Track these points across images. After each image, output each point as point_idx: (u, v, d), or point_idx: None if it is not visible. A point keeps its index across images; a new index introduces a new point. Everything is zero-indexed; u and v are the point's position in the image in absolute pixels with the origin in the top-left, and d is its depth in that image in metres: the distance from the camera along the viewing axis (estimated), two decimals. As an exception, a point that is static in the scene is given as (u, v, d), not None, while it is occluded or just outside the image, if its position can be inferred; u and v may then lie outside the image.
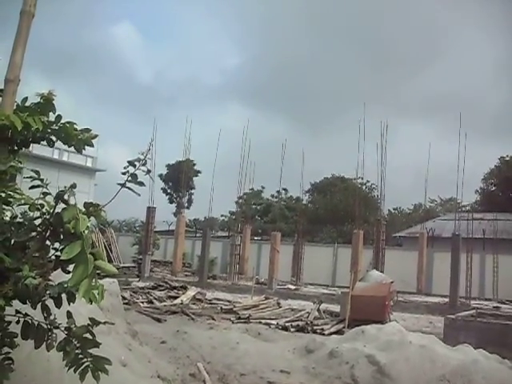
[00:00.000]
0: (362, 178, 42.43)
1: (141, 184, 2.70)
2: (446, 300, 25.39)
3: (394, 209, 63.95)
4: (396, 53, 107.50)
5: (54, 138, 2.76)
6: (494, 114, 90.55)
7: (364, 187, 52.67)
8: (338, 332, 14.63)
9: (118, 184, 2.67)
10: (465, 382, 7.73)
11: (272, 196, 61.03)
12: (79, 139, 2.76)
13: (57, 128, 2.71)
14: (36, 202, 2.66)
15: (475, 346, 9.84)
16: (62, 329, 2.69)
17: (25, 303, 2.57)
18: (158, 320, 14.87)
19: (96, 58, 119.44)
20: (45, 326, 2.67)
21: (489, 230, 34.80)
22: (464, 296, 26.15)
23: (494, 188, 52.79)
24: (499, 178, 49.91)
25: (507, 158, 49.34)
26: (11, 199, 2.75)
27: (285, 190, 57.39)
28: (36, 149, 28.32)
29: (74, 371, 2.66)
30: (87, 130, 2.80)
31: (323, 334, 14.10)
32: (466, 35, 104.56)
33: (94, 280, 2.32)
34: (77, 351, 2.66)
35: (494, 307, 23.50)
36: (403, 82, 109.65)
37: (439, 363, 8.37)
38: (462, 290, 25.91)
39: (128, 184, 2.67)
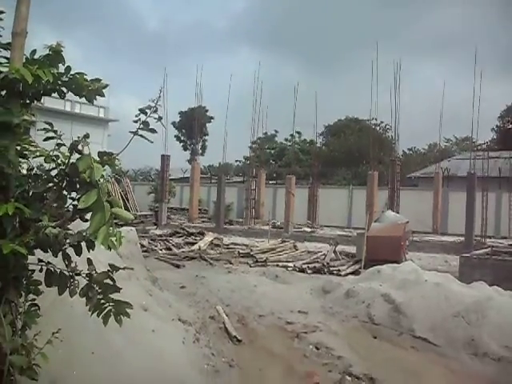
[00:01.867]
0: (376, 119, 42.09)
1: (153, 131, 2.73)
2: (462, 239, 25.46)
3: (408, 149, 63.53)
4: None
5: (64, 90, 2.78)
6: (510, 49, 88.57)
7: (378, 128, 52.20)
8: (355, 273, 14.83)
9: (131, 132, 2.70)
10: (479, 318, 7.85)
11: (286, 140, 60.79)
12: (90, 89, 2.77)
13: (67, 79, 2.73)
14: (51, 153, 2.71)
15: (490, 284, 9.95)
16: (84, 275, 2.77)
17: (46, 252, 2.64)
18: (177, 266, 15.13)
19: (103, 7, 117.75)
20: (67, 274, 2.76)
21: (505, 169, 34.54)
22: (479, 235, 26.19)
23: (510, 126, 52.07)
24: (516, 115, 49.29)
25: (524, 95, 48.64)
26: (27, 152, 2.79)
27: (298, 133, 57.08)
28: (48, 102, 28.22)
29: (98, 316, 2.76)
30: (97, 80, 2.81)
31: (340, 275, 14.30)
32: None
33: (111, 227, 2.38)
34: (99, 296, 2.75)
35: (509, 245, 23.54)
36: (416, 20, 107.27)
37: (454, 300, 8.49)
38: (477, 228, 25.94)
39: (140, 132, 2.70)
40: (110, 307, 2.76)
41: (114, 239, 2.41)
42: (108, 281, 2.76)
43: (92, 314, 2.76)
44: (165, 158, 33.43)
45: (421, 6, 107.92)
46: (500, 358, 7.09)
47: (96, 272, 2.77)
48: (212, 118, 60.61)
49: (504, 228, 30.13)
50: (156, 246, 19.56)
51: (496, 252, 16.92)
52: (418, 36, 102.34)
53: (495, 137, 53.59)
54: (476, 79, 28.11)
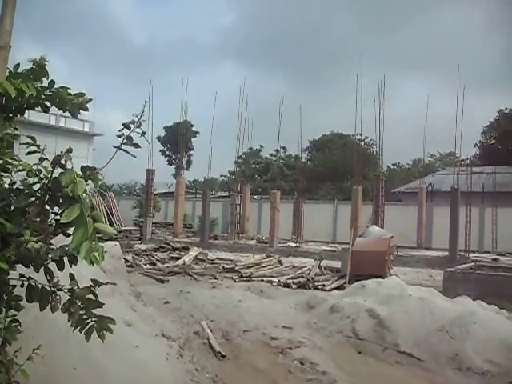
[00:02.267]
0: (361, 134, 42.30)
1: (136, 146, 2.72)
2: (446, 253, 25.59)
3: (393, 164, 63.98)
4: (393, 5, 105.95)
5: (48, 104, 2.77)
6: (493, 66, 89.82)
7: (363, 143, 52.48)
8: (339, 287, 14.84)
9: (114, 147, 2.69)
10: (463, 333, 7.88)
11: (271, 155, 60.95)
12: (73, 104, 2.77)
13: (51, 93, 2.72)
14: (33, 167, 2.69)
15: (474, 298, 10.02)
16: (66, 291, 2.75)
17: (28, 267, 2.62)
18: (161, 281, 15.05)
19: (88, 21, 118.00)
20: (48, 289, 2.73)
21: (488, 184, 34.83)
22: (463, 249, 26.33)
23: (493, 141, 52.52)
24: (498, 131, 49.65)
25: (506, 111, 48.99)
26: (9, 166, 2.78)
27: (283, 148, 57.33)
28: (32, 115, 28.16)
29: (80, 331, 2.73)
30: (81, 95, 2.80)
31: (324, 290, 14.30)
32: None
33: (94, 242, 2.36)
34: (81, 312, 2.72)
35: (492, 259, 23.72)
36: (400, 35, 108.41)
37: (438, 315, 8.52)
38: (461, 243, 26.09)
39: (124, 146, 2.70)
40: (92, 323, 2.73)
41: (96, 254, 2.39)
42: (90, 296, 2.74)
43: (74, 329, 2.74)
44: (150, 173, 33.34)
45: (405, 22, 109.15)
46: (484, 372, 7.12)
47: (78, 287, 2.75)
48: (197, 132, 60.68)
49: (487, 242, 30.31)
50: (140, 261, 19.46)
51: (480, 266, 17.04)
52: (402, 52, 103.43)
53: (478, 152, 54.04)
54: (459, 95, 28.47)
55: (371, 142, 52.11)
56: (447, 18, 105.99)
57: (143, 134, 2.71)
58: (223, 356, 7.05)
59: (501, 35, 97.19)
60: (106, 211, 34.45)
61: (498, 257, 25.66)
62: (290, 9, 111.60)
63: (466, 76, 50.27)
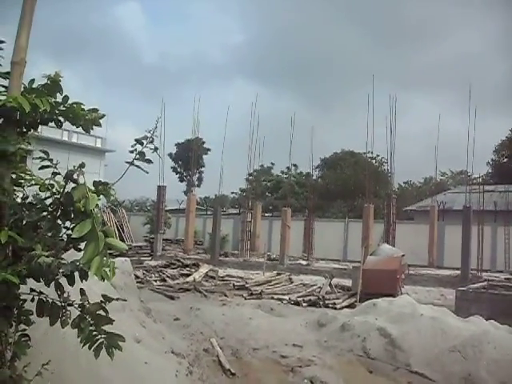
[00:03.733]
0: (372, 152, 42.20)
1: (149, 161, 2.73)
2: (458, 272, 25.37)
3: (404, 182, 63.81)
4: (404, 25, 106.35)
5: (61, 119, 2.79)
6: (505, 84, 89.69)
7: (374, 161, 52.40)
8: (350, 306, 14.73)
9: (127, 162, 2.70)
10: (476, 353, 7.77)
11: (282, 172, 61.00)
12: (87, 119, 2.78)
13: (64, 109, 2.73)
14: (46, 182, 2.70)
15: (486, 318, 9.89)
16: (76, 306, 2.74)
17: (39, 281, 2.62)
18: (171, 297, 15.01)
19: (102, 39, 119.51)
20: (59, 304, 2.73)
21: (500, 202, 34.66)
22: (475, 268, 26.13)
23: (505, 160, 52.35)
24: (510, 149, 49.51)
25: (518, 129, 48.96)
26: (22, 180, 2.79)
27: (295, 165, 57.35)
28: (45, 131, 28.34)
29: (89, 348, 2.72)
30: (95, 110, 2.82)
31: (335, 308, 14.21)
32: (472, 6, 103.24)
33: (105, 257, 2.36)
34: (91, 328, 2.71)
35: (505, 279, 23.49)
36: (412, 55, 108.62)
37: (450, 335, 8.42)
38: (473, 262, 25.89)
39: (136, 162, 2.70)
40: (101, 339, 2.72)
41: (107, 269, 2.39)
42: (101, 312, 2.73)
43: (83, 345, 2.72)
44: (161, 189, 33.44)
45: (416, 41, 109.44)
46: (497, 393, 7.01)
47: (89, 303, 2.74)
48: (209, 149, 60.84)
49: (500, 262, 30.08)
50: (151, 277, 19.46)
51: (492, 286, 16.87)
52: (413, 71, 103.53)
53: (490, 171, 53.84)
54: (471, 113, 28.41)
55: (382, 160, 52.08)
56: (459, 36, 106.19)
57: (156, 149, 2.72)
58: (233, 374, 6.99)
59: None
60: (117, 227, 34.49)
61: (510, 276, 25.43)
62: (302, 29, 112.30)
63: (477, 94, 50.21)
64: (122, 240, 30.77)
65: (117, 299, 2.89)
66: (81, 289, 2.76)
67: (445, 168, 62.84)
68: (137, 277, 15.52)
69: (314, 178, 50.39)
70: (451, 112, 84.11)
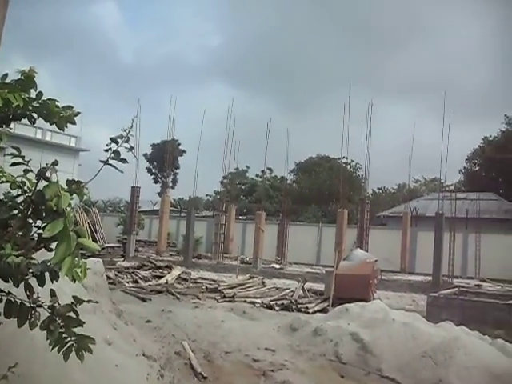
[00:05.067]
0: (347, 158, 42.54)
1: (124, 161, 2.67)
2: (429, 278, 25.63)
3: (378, 188, 64.38)
4: (380, 32, 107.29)
5: (35, 116, 2.72)
6: (478, 93, 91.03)
7: (349, 167, 52.71)
8: (323, 310, 14.76)
9: (101, 161, 2.64)
10: (446, 358, 7.83)
11: (257, 176, 61.07)
12: (61, 117, 2.72)
13: (38, 105, 2.67)
14: (17, 179, 2.63)
15: (457, 324, 9.99)
16: (46, 307, 2.67)
17: (7, 281, 2.55)
18: (143, 299, 14.90)
19: (78, 38, 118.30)
20: (28, 305, 2.65)
21: (472, 210, 35.09)
22: (447, 274, 26.43)
23: (477, 168, 53.04)
24: (482, 158, 50.17)
25: (490, 138, 49.56)
26: (-8, 177, 2.71)
27: (269, 169, 57.45)
28: (18, 129, 28.03)
29: (58, 351, 2.65)
30: (69, 108, 2.75)
31: (308, 313, 14.22)
32: (449, 14, 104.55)
33: (76, 258, 2.31)
34: (61, 330, 2.64)
35: (475, 285, 23.81)
36: (388, 62, 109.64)
37: (421, 340, 8.47)
38: (444, 268, 26.18)
39: (111, 161, 2.65)
40: (72, 342, 2.66)
41: (78, 270, 2.34)
42: (71, 314, 2.67)
43: (52, 348, 2.66)
44: (135, 190, 33.22)
45: (393, 49, 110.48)
46: (467, 399, 7.07)
47: (59, 304, 2.67)
48: (184, 151, 60.61)
49: (470, 268, 30.44)
50: (123, 279, 19.29)
51: (463, 292, 17.06)
52: (389, 78, 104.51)
53: (462, 178, 54.52)
54: (445, 122, 28.74)
55: (357, 165, 52.44)
56: (435, 44, 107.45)
57: (131, 148, 2.67)
58: (204, 377, 6.94)
59: (487, 63, 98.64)
60: (90, 227, 34.17)
61: (480, 283, 25.77)
62: (278, 32, 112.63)
63: (452, 102, 50.76)
64: (95, 240, 30.47)
65: (88, 301, 2.83)
66: (51, 290, 2.70)
67: (418, 175, 63.70)
68: (109, 278, 15.35)
69: (289, 182, 50.59)
70: (426, 119, 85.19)
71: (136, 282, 19.02)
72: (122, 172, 2.76)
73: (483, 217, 34.33)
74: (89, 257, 6.94)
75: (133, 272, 21.11)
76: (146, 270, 22.14)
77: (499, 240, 30.96)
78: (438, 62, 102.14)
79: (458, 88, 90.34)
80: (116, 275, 19.63)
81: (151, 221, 40.08)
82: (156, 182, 64.55)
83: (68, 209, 2.31)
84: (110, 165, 2.65)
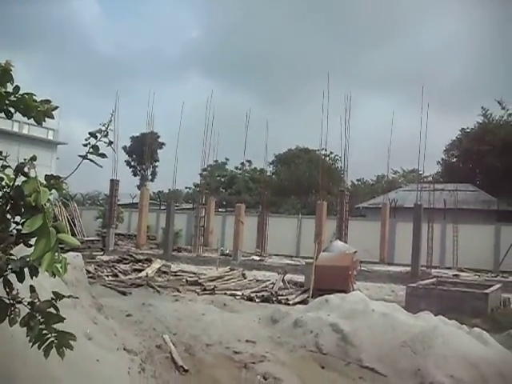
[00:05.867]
0: (326, 150, 42.63)
1: (103, 156, 2.66)
2: (408, 269, 25.87)
3: (357, 180, 64.65)
4: (359, 25, 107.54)
5: (12, 110, 2.69)
6: (457, 86, 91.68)
7: (328, 158, 52.91)
8: (303, 302, 14.84)
9: (80, 156, 2.63)
10: (425, 348, 7.92)
11: (236, 168, 61.08)
12: (39, 111, 2.69)
13: (15, 99, 2.64)
14: (-5, 175, 2.60)
15: (435, 313, 10.10)
16: (25, 303, 2.66)
17: (-15, 278, 2.53)
18: (123, 293, 14.84)
19: (56, 30, 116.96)
20: (7, 301, 2.63)
21: (449, 201, 35.45)
22: (425, 265, 26.69)
23: (454, 159, 53.45)
24: (460, 149, 50.57)
25: (468, 130, 49.98)
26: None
27: (249, 161, 57.50)
28: (-5, 122, 27.64)
29: (38, 347, 2.63)
30: (47, 102, 2.73)
31: (288, 304, 14.29)
32: (428, 6, 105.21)
33: (56, 253, 2.29)
34: (41, 326, 2.63)
35: (453, 275, 24.09)
36: (367, 55, 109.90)
37: (401, 330, 8.55)
38: (423, 258, 26.44)
39: (90, 156, 2.63)
40: (52, 338, 2.64)
41: (59, 266, 2.32)
42: (51, 310, 2.65)
43: (33, 345, 2.64)
44: (114, 183, 33.03)
45: (372, 41, 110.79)
46: (445, 387, 7.17)
47: (39, 300, 2.66)
48: (163, 144, 60.32)
49: (448, 258, 30.79)
50: (102, 273, 19.19)
51: (441, 282, 17.26)
52: (368, 70, 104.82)
53: (440, 170, 54.94)
54: (423, 114, 28.93)
55: (336, 157, 52.66)
56: (414, 35, 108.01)
57: (110, 143, 2.66)
58: (186, 370, 6.94)
59: (464, 55, 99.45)
60: (69, 221, 33.94)
61: (458, 273, 26.08)
62: (257, 22, 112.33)
63: (430, 95, 51.14)
64: (74, 234, 30.29)
65: (68, 296, 2.82)
66: (31, 285, 2.68)
67: (397, 166, 64.00)
68: (88, 272, 15.26)
69: (268, 174, 50.59)
70: (405, 111, 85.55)
71: (116, 275, 18.94)
72: (101, 167, 2.75)
73: (461, 207, 34.70)
74: (68, 251, 6.90)
75: (112, 266, 21.01)
76: (125, 264, 22.05)
77: (476, 230, 31.37)
78: (416, 54, 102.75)
79: (437, 80, 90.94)
80: (96, 269, 19.52)
81: (130, 214, 39.89)
82: (135, 174, 64.23)
83: (47, 204, 2.30)
84: (89, 159, 2.64)
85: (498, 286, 16.37)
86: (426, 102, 29.33)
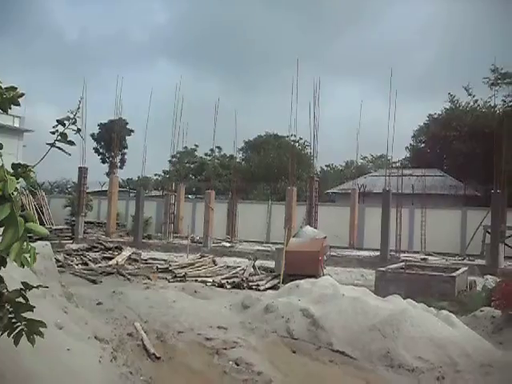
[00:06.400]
0: (295, 136, 42.78)
1: (71, 143, 2.63)
2: (377, 253, 26.17)
3: (326, 166, 65.06)
4: (327, 11, 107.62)
5: (-24, 97, 2.64)
6: (424, 72, 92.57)
7: (297, 145, 53.05)
8: (273, 287, 14.93)
9: (48, 144, 2.59)
10: (394, 330, 8.05)
11: (205, 154, 60.79)
12: (4, 98, 2.65)
13: (-21, 87, 2.59)
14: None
15: (404, 297, 10.26)
16: (-7, 294, 2.63)
17: (-47, 269, 2.49)
18: (94, 281, 14.77)
19: (19, 17, 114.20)
20: (-25, 292, 2.61)
21: (417, 186, 35.87)
22: (394, 249, 27.02)
23: (422, 145, 54.01)
24: (427, 135, 51.07)
25: (435, 116, 50.49)
26: None
27: (218, 148, 57.26)
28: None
29: (8, 335, 2.62)
30: (13, 89, 2.68)
31: (259, 290, 14.37)
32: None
33: (25, 243, 2.27)
34: (10, 316, 2.61)
35: (421, 259, 24.45)
36: (335, 41, 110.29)
37: (370, 314, 8.67)
38: (392, 243, 26.77)
39: (58, 144, 2.60)
40: (22, 326, 2.63)
41: (27, 256, 2.30)
42: (20, 299, 2.63)
43: (2, 333, 2.62)
44: (82, 171, 32.71)
45: (340, 27, 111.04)
46: (414, 368, 7.32)
47: (7, 290, 2.63)
48: (132, 131, 59.59)
49: (416, 243, 31.20)
50: (72, 261, 19.04)
51: (409, 266, 17.52)
52: (337, 56, 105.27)
53: (408, 155, 55.48)
54: (391, 100, 29.15)
55: (305, 143, 52.80)
56: (383, 22, 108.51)
57: (78, 130, 2.63)
58: (158, 358, 6.94)
59: (433, 42, 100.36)
60: (37, 210, 33.48)
61: (426, 256, 26.47)
62: (226, 8, 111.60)
63: (398, 80, 51.53)
64: (42, 223, 29.88)
65: (37, 287, 2.79)
66: (-1, 276, 2.65)
67: (366, 152, 64.53)
68: (58, 261, 15.11)
69: (238, 160, 50.55)
70: (373, 97, 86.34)
71: (86, 264, 18.82)
72: (69, 155, 2.72)
73: (429, 192, 35.16)
74: (36, 240, 6.83)
75: (82, 254, 20.85)
76: (95, 252, 21.92)
77: (444, 215, 31.86)
78: (385, 40, 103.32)
79: (405, 67, 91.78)
80: (65, 258, 19.36)
81: (100, 202, 39.52)
82: (104, 162, 63.38)
83: (15, 193, 2.27)
84: (58, 147, 2.60)
85: (464, 269, 16.68)
86: (394, 87, 29.57)
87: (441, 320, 8.84)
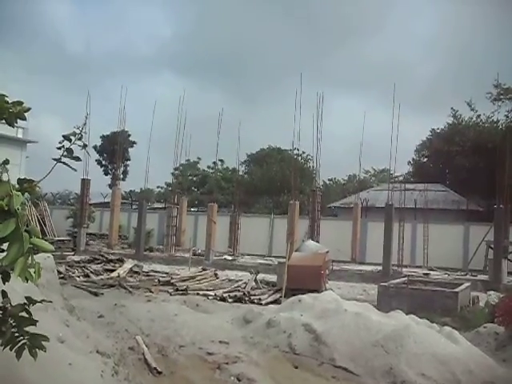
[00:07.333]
0: (298, 149, 42.74)
1: (77, 159, 2.63)
2: (379, 268, 26.08)
3: (329, 179, 65.01)
4: (332, 24, 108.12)
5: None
6: (427, 86, 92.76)
7: (300, 158, 53.06)
8: (275, 301, 14.88)
9: (54, 159, 2.59)
10: (397, 347, 8.00)
11: (208, 167, 60.83)
12: (10, 112, 2.65)
13: (-14, 101, 2.59)
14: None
15: (407, 312, 10.22)
16: (-3, 308, 2.62)
17: (-44, 283, 2.49)
18: (95, 294, 14.72)
19: (26, 28, 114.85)
20: (-22, 306, 2.60)
21: (420, 200, 35.82)
22: (396, 264, 26.92)
23: (425, 160, 53.96)
24: (430, 149, 51.02)
25: (438, 131, 50.51)
26: None
27: (221, 161, 57.29)
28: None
29: (10, 349, 2.60)
30: (19, 103, 2.69)
31: (260, 304, 14.31)
32: (400, 7, 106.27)
33: (29, 258, 2.26)
34: (13, 330, 2.60)
35: (424, 274, 24.37)
36: (337, 53, 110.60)
37: (373, 330, 8.63)
38: (394, 258, 26.66)
39: (63, 159, 2.60)
40: (24, 340, 2.61)
41: (32, 271, 2.29)
42: (24, 314, 2.62)
43: (4, 348, 2.61)
44: (85, 182, 32.72)
45: (344, 41, 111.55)
46: (417, 385, 7.27)
47: (11, 305, 2.62)
48: (135, 142, 59.69)
49: (419, 257, 31.10)
50: (73, 273, 19.00)
51: (412, 281, 17.46)
52: (341, 71, 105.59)
53: (411, 170, 55.44)
54: (394, 114, 29.17)
55: (308, 157, 52.80)
56: (387, 36, 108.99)
57: (85, 146, 2.63)
58: (159, 372, 6.91)
59: (436, 57, 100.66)
60: (39, 221, 33.52)
61: (428, 271, 26.38)
62: (231, 23, 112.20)
63: (401, 95, 51.67)
64: (44, 234, 29.89)
65: (41, 301, 2.79)
66: (2, 291, 2.64)
67: (368, 166, 64.52)
68: (59, 272, 15.11)
69: (240, 173, 50.50)
70: (376, 111, 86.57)
71: (87, 276, 18.78)
72: (75, 170, 2.72)
73: (431, 207, 35.13)
74: (38, 251, 6.79)
75: (84, 266, 20.81)
76: (97, 264, 21.87)
77: (446, 230, 31.81)
78: (387, 54, 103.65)
79: (408, 81, 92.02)
80: (67, 270, 19.32)
81: (102, 213, 39.51)
82: (106, 173, 63.43)
83: (20, 208, 2.26)
84: (63, 163, 2.60)
85: (467, 284, 16.63)
86: (397, 102, 29.61)
87: (444, 336, 8.79)
